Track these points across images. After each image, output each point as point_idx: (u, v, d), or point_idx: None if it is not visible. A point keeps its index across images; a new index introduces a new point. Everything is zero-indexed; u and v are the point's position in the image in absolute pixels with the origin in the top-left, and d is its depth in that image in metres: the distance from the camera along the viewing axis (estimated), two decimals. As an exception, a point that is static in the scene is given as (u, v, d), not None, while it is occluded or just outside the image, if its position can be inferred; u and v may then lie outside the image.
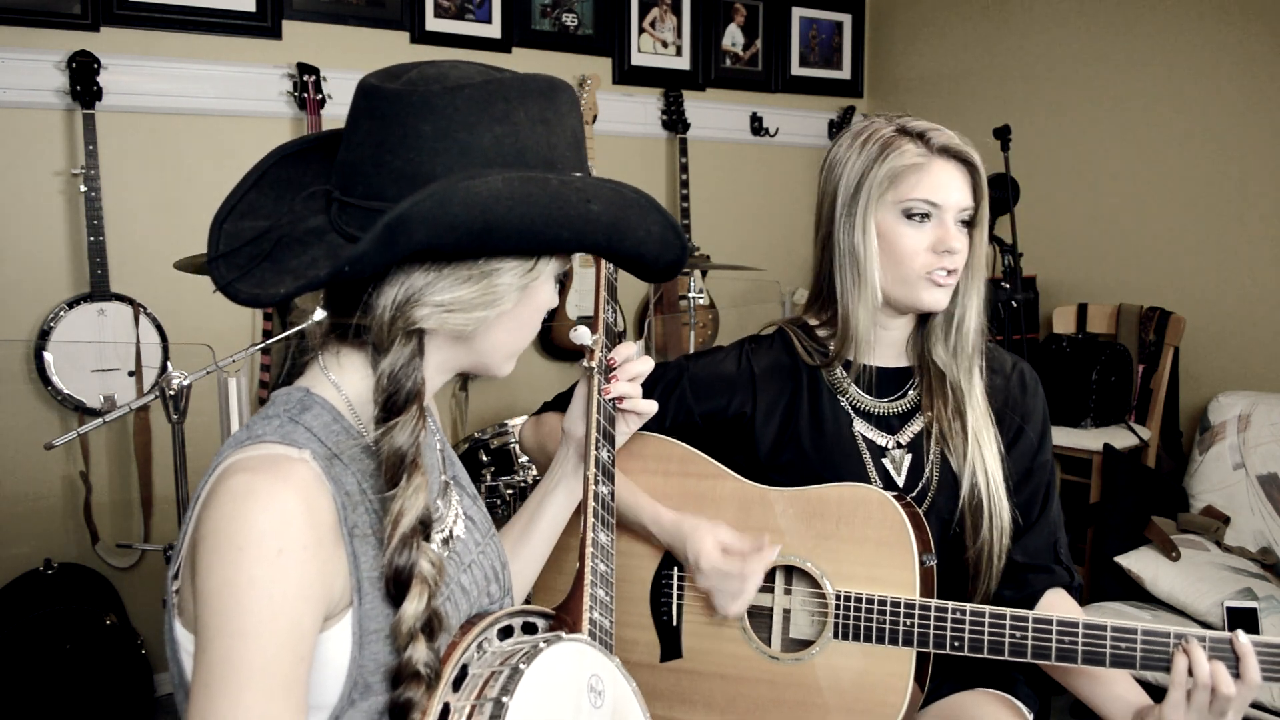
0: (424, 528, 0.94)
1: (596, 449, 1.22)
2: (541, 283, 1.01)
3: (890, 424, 1.49)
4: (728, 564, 1.38)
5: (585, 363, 1.28)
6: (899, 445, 1.48)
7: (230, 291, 0.93)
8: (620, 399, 1.29)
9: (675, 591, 1.49)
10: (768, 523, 1.44)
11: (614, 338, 1.34)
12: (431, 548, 0.95)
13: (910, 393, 1.51)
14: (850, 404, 1.49)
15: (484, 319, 0.97)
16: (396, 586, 0.92)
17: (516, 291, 0.98)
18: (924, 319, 1.49)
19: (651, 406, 1.33)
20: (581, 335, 1.26)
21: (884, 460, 1.48)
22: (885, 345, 1.50)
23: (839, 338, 1.46)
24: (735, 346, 1.57)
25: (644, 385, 1.55)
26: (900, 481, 1.47)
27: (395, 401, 0.94)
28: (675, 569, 1.49)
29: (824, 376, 1.50)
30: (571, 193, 0.92)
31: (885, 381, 1.50)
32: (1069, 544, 1.53)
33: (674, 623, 1.48)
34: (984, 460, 1.43)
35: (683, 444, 1.52)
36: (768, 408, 1.50)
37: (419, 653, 0.93)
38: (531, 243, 0.94)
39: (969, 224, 1.43)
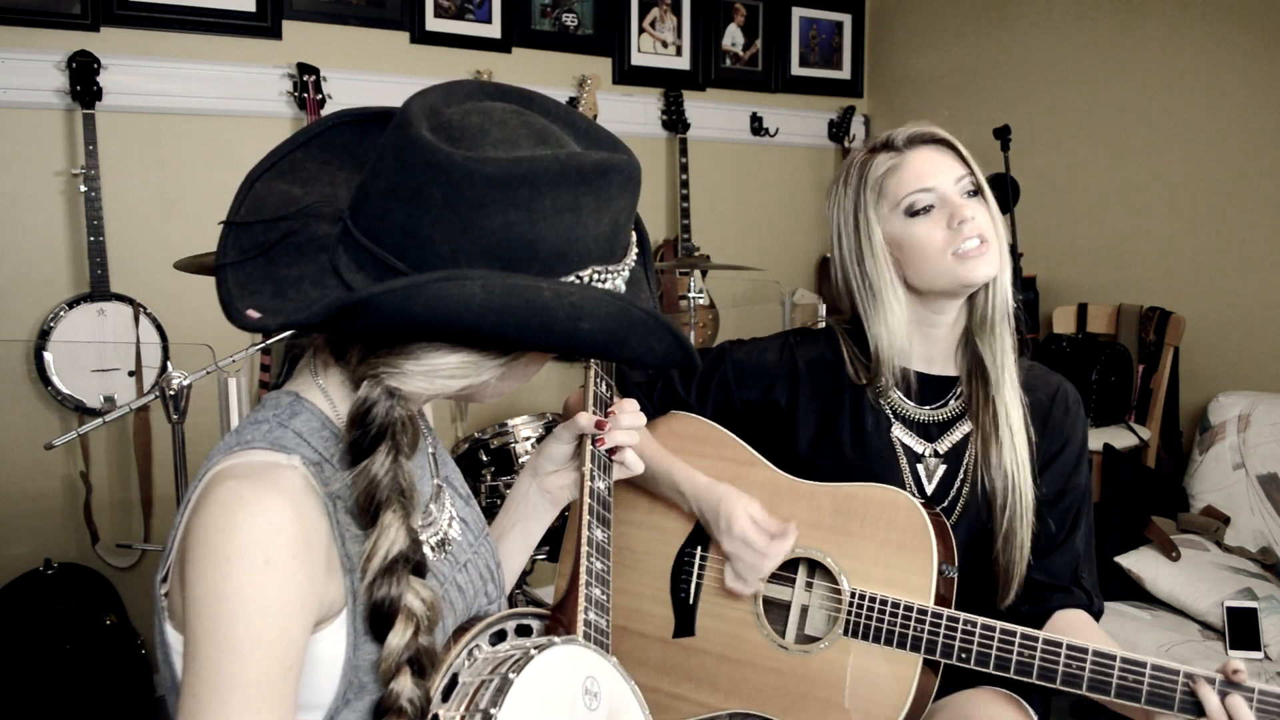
0: (408, 562, 0.90)
1: (592, 480, 1.21)
2: (529, 359, 0.96)
3: (929, 431, 1.49)
4: (756, 536, 1.40)
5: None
6: (936, 454, 1.48)
7: (220, 276, 0.89)
8: (615, 449, 1.24)
9: (696, 570, 1.51)
10: (795, 514, 1.45)
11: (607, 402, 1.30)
12: (423, 584, 0.92)
13: (953, 402, 1.50)
14: (891, 409, 1.50)
15: (453, 387, 0.92)
16: (377, 621, 0.90)
17: (498, 368, 0.93)
18: (969, 315, 1.48)
19: (641, 468, 1.29)
20: (581, 423, 1.23)
21: (918, 466, 1.48)
22: (933, 347, 1.49)
23: (874, 363, 1.46)
24: (779, 337, 1.59)
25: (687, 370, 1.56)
26: (930, 490, 1.48)
27: (360, 444, 0.89)
28: (698, 548, 1.51)
29: None
30: (562, 308, 0.84)
31: (929, 388, 1.50)
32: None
33: (690, 601, 1.50)
34: (1018, 475, 1.43)
35: (721, 428, 1.54)
36: (808, 403, 1.51)
37: (404, 687, 0.90)
38: (500, 346, 0.90)
39: (975, 193, 1.42)
